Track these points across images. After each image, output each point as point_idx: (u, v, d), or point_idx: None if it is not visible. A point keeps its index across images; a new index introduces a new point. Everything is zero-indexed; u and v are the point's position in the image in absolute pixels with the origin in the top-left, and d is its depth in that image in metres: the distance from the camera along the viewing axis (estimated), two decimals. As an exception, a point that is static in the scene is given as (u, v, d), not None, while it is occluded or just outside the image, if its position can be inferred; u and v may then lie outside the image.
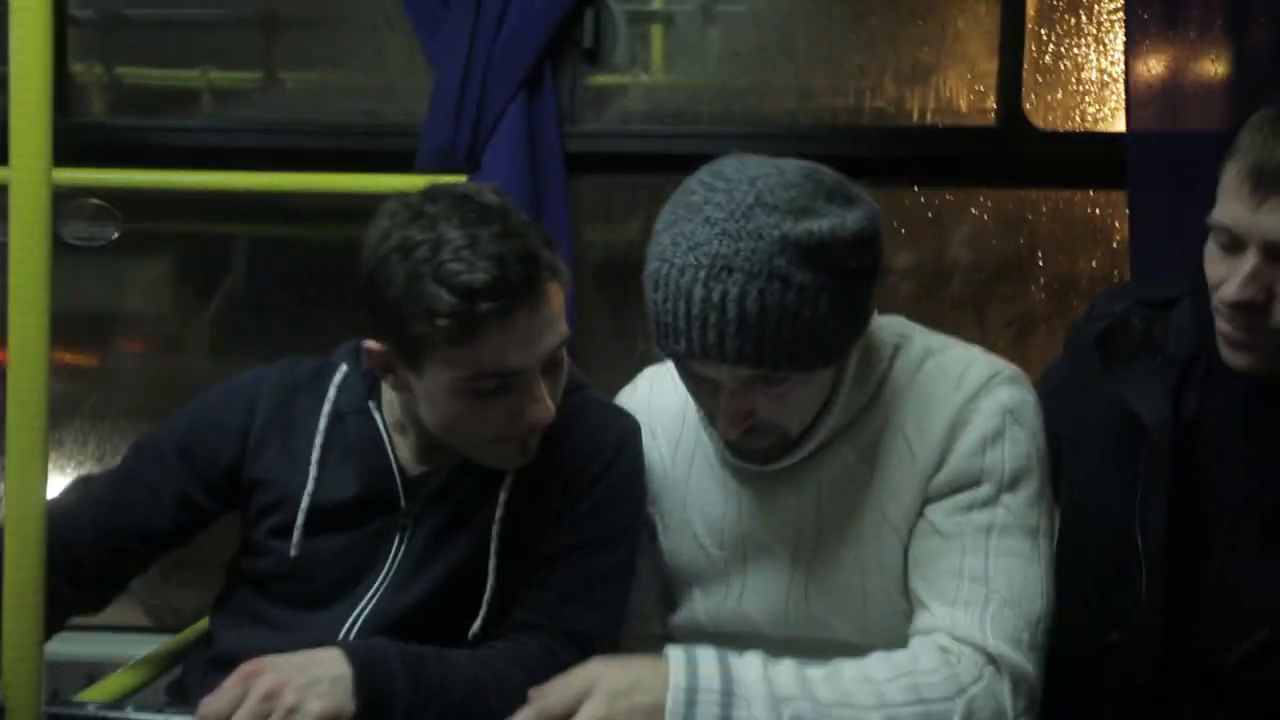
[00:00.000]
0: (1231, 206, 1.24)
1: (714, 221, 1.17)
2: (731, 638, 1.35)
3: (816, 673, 1.22)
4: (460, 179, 1.83)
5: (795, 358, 1.20)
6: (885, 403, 1.33)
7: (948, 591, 1.26)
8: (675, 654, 1.20)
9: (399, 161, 1.90)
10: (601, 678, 1.21)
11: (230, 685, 1.13)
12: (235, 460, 1.41)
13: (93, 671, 1.77)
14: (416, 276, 1.21)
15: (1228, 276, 1.26)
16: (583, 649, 1.32)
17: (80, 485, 1.40)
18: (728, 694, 1.18)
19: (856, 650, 1.28)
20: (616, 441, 1.42)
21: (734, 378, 1.21)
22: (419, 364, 1.26)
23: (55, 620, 1.23)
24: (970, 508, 1.28)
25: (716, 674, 1.18)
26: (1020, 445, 1.29)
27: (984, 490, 1.28)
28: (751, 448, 1.32)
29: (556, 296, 1.29)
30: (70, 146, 1.44)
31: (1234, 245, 1.26)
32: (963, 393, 1.30)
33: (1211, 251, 1.30)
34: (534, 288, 1.24)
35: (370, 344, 1.30)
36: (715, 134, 2.07)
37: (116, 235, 2.33)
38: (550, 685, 1.19)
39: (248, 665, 1.15)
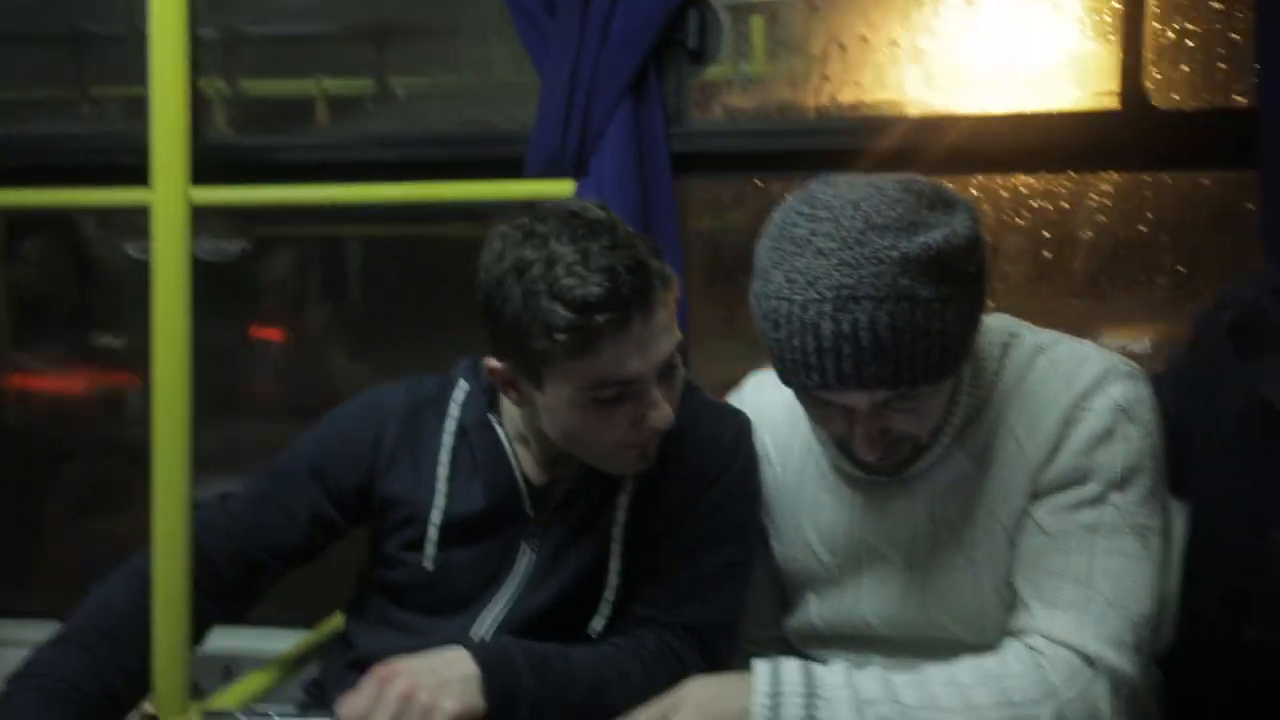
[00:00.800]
0: None
1: (827, 252, 1.17)
2: (848, 640, 1.38)
3: (902, 678, 1.23)
4: (568, 185, 1.86)
5: (930, 371, 1.19)
6: (997, 403, 1.33)
7: (1048, 592, 1.25)
8: (760, 663, 1.24)
9: (508, 169, 1.92)
10: (690, 691, 1.25)
11: (367, 688, 1.17)
12: (366, 479, 1.45)
13: (229, 665, 1.86)
14: (532, 295, 1.24)
15: None
16: (700, 643, 1.37)
17: (219, 503, 1.45)
18: (811, 695, 1.20)
19: (973, 651, 1.28)
20: (733, 441, 1.45)
21: (870, 402, 1.21)
22: (540, 379, 1.29)
23: (198, 631, 1.30)
24: (1077, 506, 1.27)
25: (800, 679, 1.21)
26: (1133, 443, 1.27)
27: (1090, 489, 1.26)
28: (886, 463, 1.31)
29: (668, 303, 1.31)
30: (206, 165, 1.51)
31: None
32: (1075, 390, 1.28)
33: None
34: (646, 297, 1.26)
35: (491, 362, 1.34)
36: (822, 129, 2.05)
37: (243, 248, 2.43)
38: (642, 708, 1.24)
39: (382, 669, 1.19)
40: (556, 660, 1.28)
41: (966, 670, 1.23)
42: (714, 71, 2.09)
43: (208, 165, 1.92)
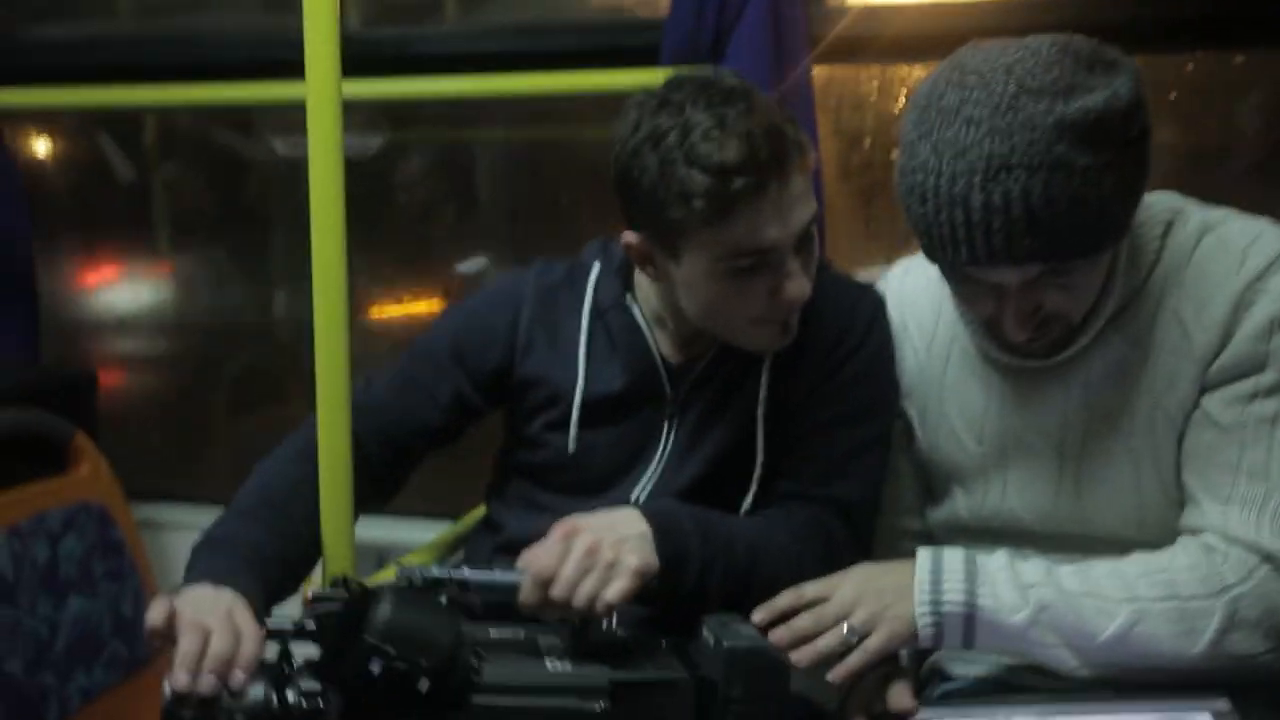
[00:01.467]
0: None
1: (977, 121, 1.15)
2: (997, 534, 1.38)
3: (1065, 567, 1.25)
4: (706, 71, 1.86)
5: (1087, 244, 1.18)
6: (1158, 284, 1.29)
7: (1222, 488, 1.23)
8: (923, 549, 1.29)
9: (644, 56, 1.91)
10: (855, 570, 1.31)
11: (553, 542, 1.20)
12: (504, 361, 1.49)
13: (382, 555, 1.93)
14: (669, 162, 1.26)
15: None
16: (845, 516, 1.40)
17: (364, 387, 1.49)
18: (971, 576, 1.24)
19: (1130, 547, 1.27)
20: (868, 317, 1.46)
21: (1022, 278, 1.20)
22: (678, 250, 1.31)
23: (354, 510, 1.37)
24: (1253, 397, 1.23)
25: (961, 561, 1.26)
26: None
27: (1269, 377, 1.22)
28: (1037, 345, 1.30)
29: (804, 171, 1.32)
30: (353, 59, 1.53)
31: None
32: (1248, 270, 1.24)
33: None
34: (782, 162, 1.27)
35: (628, 236, 1.36)
36: (976, 3, 1.98)
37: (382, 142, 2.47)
38: (809, 582, 1.29)
39: (565, 524, 1.23)
40: (720, 524, 1.32)
41: (1133, 562, 1.24)
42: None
43: (349, 60, 1.96)
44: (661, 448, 1.45)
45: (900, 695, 1.29)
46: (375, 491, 1.50)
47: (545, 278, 1.52)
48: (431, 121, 2.60)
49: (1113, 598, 1.21)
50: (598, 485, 1.41)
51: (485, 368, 1.49)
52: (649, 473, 1.45)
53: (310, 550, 1.35)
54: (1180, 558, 1.22)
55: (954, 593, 1.23)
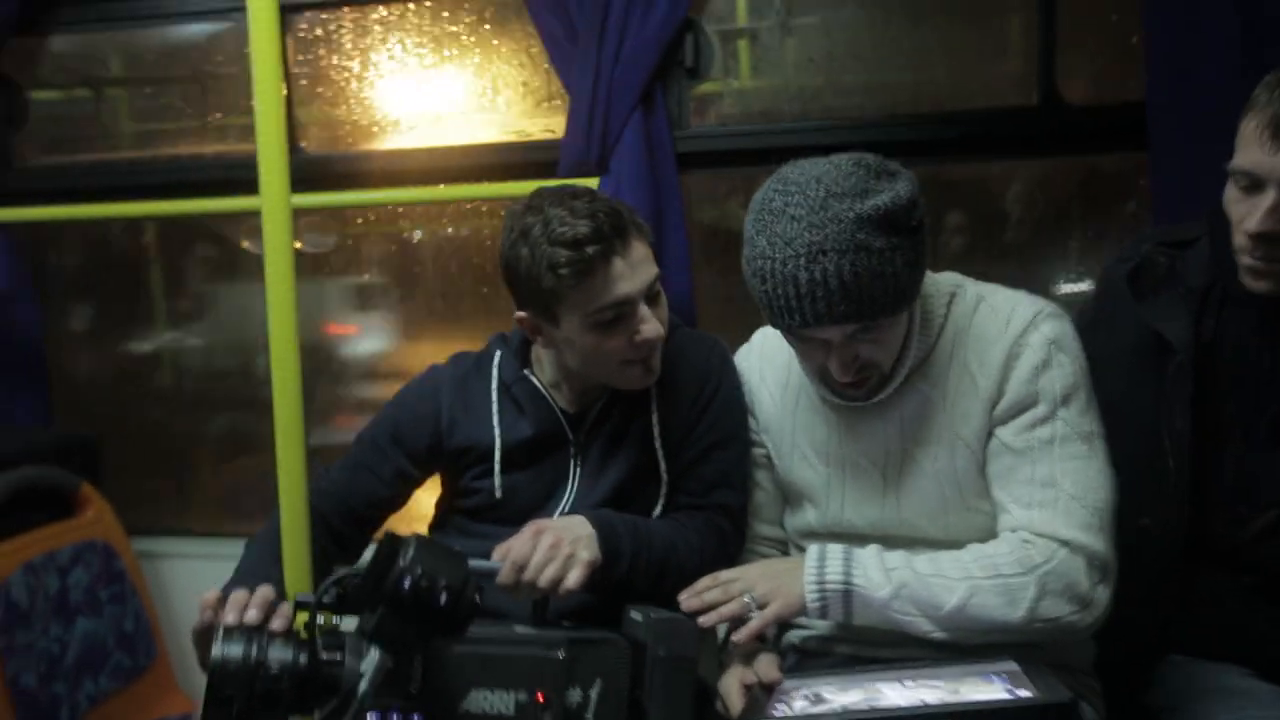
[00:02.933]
0: (1252, 153, 1.20)
1: (798, 218, 1.19)
2: (839, 537, 1.40)
3: (920, 555, 1.29)
4: (594, 182, 1.86)
5: (887, 306, 1.22)
6: (948, 342, 1.33)
7: (1024, 497, 1.27)
8: (811, 545, 1.32)
9: (546, 170, 1.93)
10: (757, 562, 1.40)
11: (525, 537, 1.26)
12: (434, 440, 1.50)
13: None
14: (537, 247, 1.30)
15: (1249, 213, 1.23)
16: (729, 516, 1.45)
17: (325, 473, 1.51)
18: (848, 560, 1.28)
19: (941, 546, 1.31)
20: (720, 361, 1.50)
21: (841, 334, 1.23)
22: (555, 315, 1.35)
23: (325, 572, 1.34)
24: (1033, 425, 1.28)
25: (840, 551, 1.30)
26: (1065, 368, 1.28)
27: (1041, 409, 1.27)
28: (856, 391, 1.33)
29: (644, 242, 1.36)
30: (303, 177, 1.51)
31: (1254, 186, 1.22)
32: (1012, 330, 1.29)
33: (1232, 194, 1.26)
34: (623, 233, 1.32)
35: (519, 314, 1.39)
36: (797, 129, 2.03)
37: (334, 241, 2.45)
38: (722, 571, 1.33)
39: (533, 525, 1.28)
40: (643, 526, 1.36)
41: (968, 551, 1.28)
42: (710, 88, 2.08)
43: (305, 177, 1.95)
44: (571, 482, 1.47)
45: (768, 667, 1.30)
46: (341, 552, 1.49)
47: (458, 369, 1.54)
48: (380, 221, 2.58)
49: (953, 577, 1.24)
50: (522, 518, 1.40)
51: (419, 446, 1.50)
52: (562, 503, 1.46)
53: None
54: (1002, 547, 1.26)
55: (834, 574, 1.26)
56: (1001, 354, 1.29)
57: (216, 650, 1.03)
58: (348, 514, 1.49)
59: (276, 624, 1.05)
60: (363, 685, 0.99)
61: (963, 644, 1.25)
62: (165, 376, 2.72)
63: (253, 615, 1.05)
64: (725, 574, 1.32)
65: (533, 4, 1.87)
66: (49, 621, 1.92)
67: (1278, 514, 1.32)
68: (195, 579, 1.97)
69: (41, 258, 2.56)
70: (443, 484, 1.57)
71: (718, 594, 1.29)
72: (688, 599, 1.29)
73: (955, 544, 1.30)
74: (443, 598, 1.01)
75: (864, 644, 1.36)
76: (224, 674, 1.02)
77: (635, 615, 1.21)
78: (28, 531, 1.94)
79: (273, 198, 1.26)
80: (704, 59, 1.93)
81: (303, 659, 1.03)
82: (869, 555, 1.28)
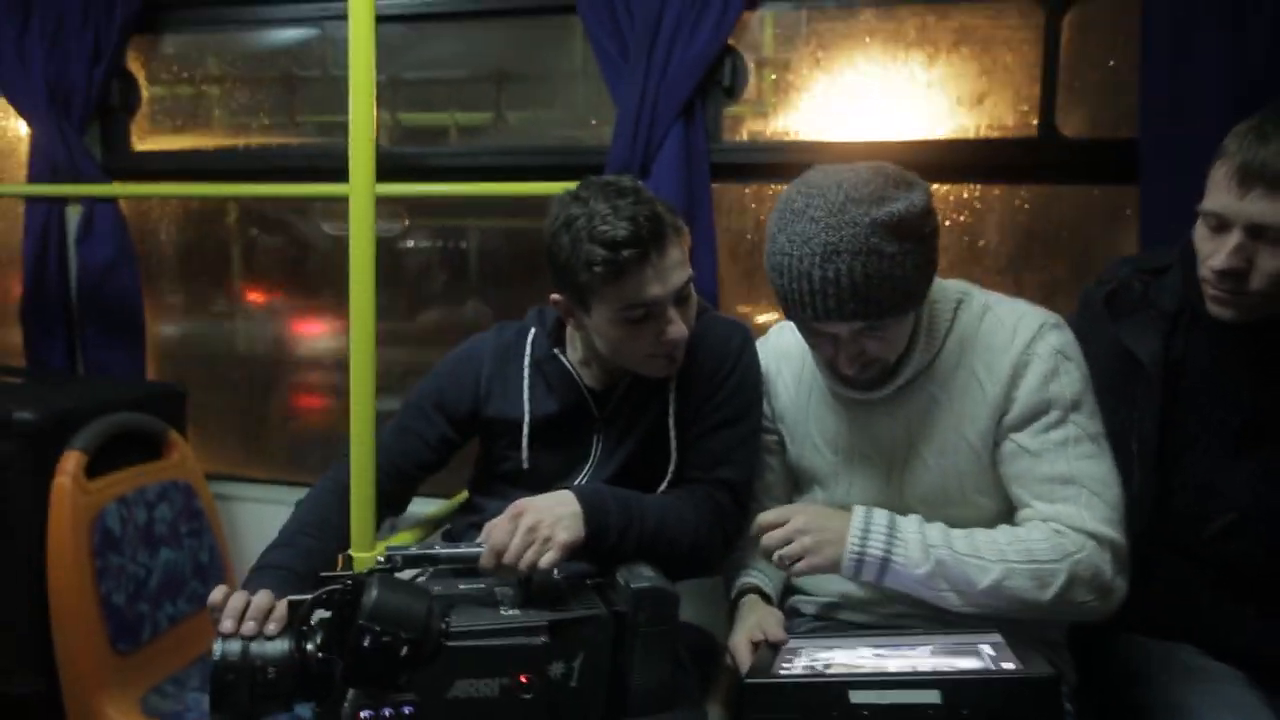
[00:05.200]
0: (1220, 197, 1.21)
1: (817, 219, 1.16)
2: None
3: (958, 533, 1.24)
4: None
5: (894, 307, 1.19)
6: (955, 346, 1.30)
7: (1046, 493, 1.24)
8: (858, 508, 1.25)
9: (595, 173, 1.92)
10: (807, 508, 1.29)
11: (504, 520, 1.20)
12: (473, 407, 1.49)
13: (394, 523, 1.91)
14: (577, 240, 1.26)
15: (1215, 251, 1.23)
16: (730, 491, 1.39)
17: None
18: (892, 533, 1.22)
19: None
20: (740, 344, 1.44)
21: (849, 330, 1.22)
22: (588, 305, 1.31)
23: (376, 523, 1.37)
24: (1047, 429, 1.25)
25: (885, 521, 1.23)
26: (1073, 374, 1.26)
27: (1055, 414, 1.24)
28: (861, 381, 1.31)
29: (680, 245, 1.31)
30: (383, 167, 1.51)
31: (1221, 227, 1.22)
32: (1019, 341, 1.26)
33: (1201, 232, 1.27)
34: (660, 238, 1.27)
35: (554, 296, 1.36)
36: (818, 146, 2.03)
37: (404, 226, 2.48)
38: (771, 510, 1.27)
39: (515, 506, 1.22)
40: (634, 500, 1.31)
41: (1003, 533, 1.24)
42: (744, 108, 2.08)
43: (383, 169, 1.97)
44: (593, 454, 1.44)
45: (775, 627, 1.29)
46: (388, 508, 1.50)
47: (499, 339, 1.51)
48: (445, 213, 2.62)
49: (989, 559, 1.20)
50: (547, 484, 1.38)
51: (460, 413, 1.49)
52: (584, 472, 1.44)
53: (333, 557, 1.34)
54: (1035, 533, 1.22)
55: (876, 546, 1.21)
56: (1009, 364, 1.26)
57: (217, 649, 1.03)
58: (396, 474, 1.48)
59: (271, 628, 1.05)
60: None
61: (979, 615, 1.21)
62: (245, 341, 2.76)
63: (249, 628, 1.05)
64: (769, 515, 1.27)
65: (590, 25, 1.89)
66: (137, 549, 1.96)
67: (1234, 517, 1.32)
68: (263, 520, 2.04)
69: (144, 231, 2.61)
70: (481, 446, 1.56)
71: (777, 537, 1.25)
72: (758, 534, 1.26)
73: None
74: (404, 650, 0.98)
75: (862, 610, 1.36)
76: (223, 670, 1.02)
77: (620, 579, 1.18)
78: (121, 469, 1.98)
79: (361, 186, 1.28)
80: (739, 81, 1.94)
81: (298, 655, 1.03)
82: (912, 530, 1.23)
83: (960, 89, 1.99)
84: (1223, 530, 1.33)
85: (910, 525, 1.24)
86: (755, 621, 1.30)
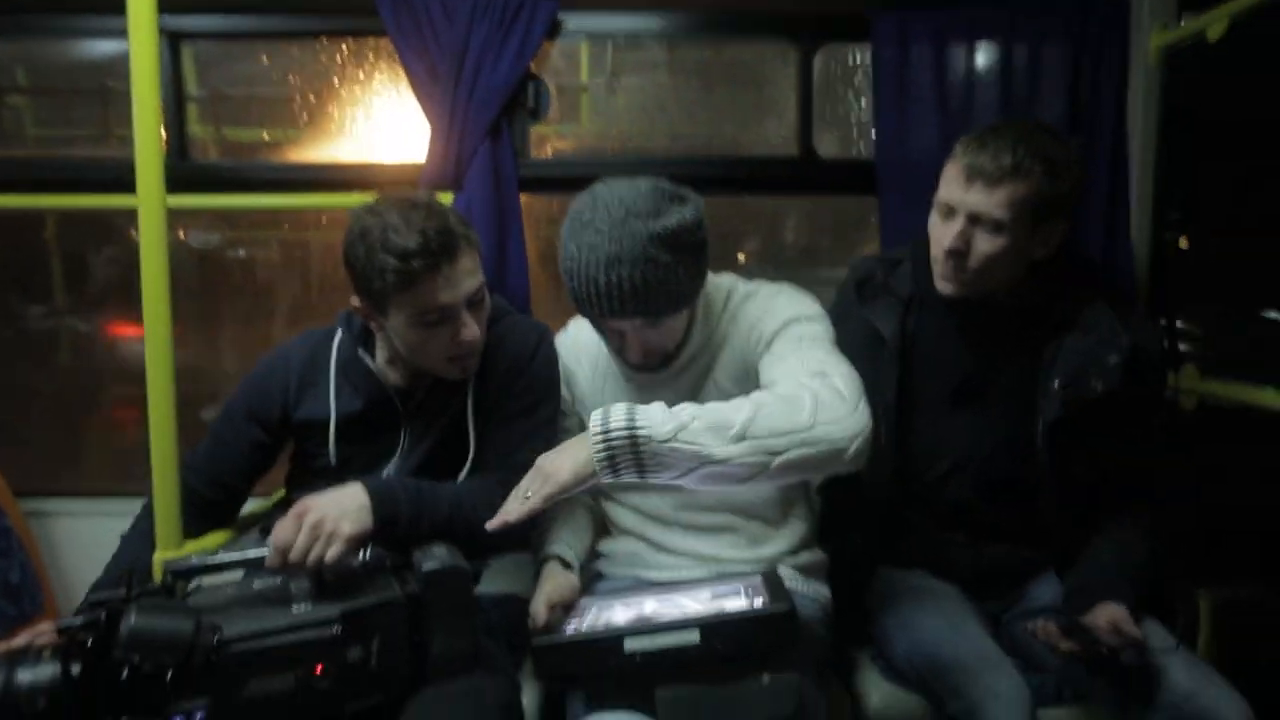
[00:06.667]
0: (950, 190, 1.38)
1: (602, 230, 1.21)
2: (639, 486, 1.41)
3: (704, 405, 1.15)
4: (448, 195, 1.86)
5: (669, 308, 1.26)
6: (725, 327, 1.39)
7: (790, 370, 1.23)
8: (594, 411, 1.14)
9: (411, 187, 1.90)
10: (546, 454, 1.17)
11: (288, 521, 1.15)
12: (283, 411, 1.44)
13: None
14: (372, 249, 1.25)
15: (944, 234, 1.40)
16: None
17: (191, 451, 1.44)
18: (631, 412, 1.11)
19: None
20: (535, 340, 1.45)
21: (633, 326, 1.27)
22: (384, 310, 1.30)
23: (201, 533, 1.33)
24: (784, 338, 1.30)
25: (624, 406, 1.13)
26: (794, 304, 1.33)
27: (794, 329, 1.30)
28: (646, 366, 1.38)
29: (471, 254, 1.29)
30: (189, 180, 1.42)
31: (949, 215, 1.39)
32: (762, 313, 1.35)
33: (934, 219, 1.43)
34: (450, 249, 1.25)
35: (354, 301, 1.34)
36: (616, 163, 2.09)
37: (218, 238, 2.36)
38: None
39: (299, 504, 1.17)
40: (426, 489, 1.27)
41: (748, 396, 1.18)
42: (548, 129, 2.13)
43: (190, 181, 1.86)
44: (399, 448, 1.41)
45: (567, 590, 1.31)
46: (216, 518, 1.43)
47: (304, 346, 1.48)
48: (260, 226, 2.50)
49: (739, 403, 1.14)
50: (357, 477, 1.32)
51: (272, 419, 1.45)
52: (391, 466, 1.41)
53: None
54: (776, 384, 1.21)
55: (618, 423, 1.09)
56: (756, 328, 1.33)
57: None
58: (218, 485, 1.42)
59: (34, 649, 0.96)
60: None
61: (754, 475, 1.09)
62: (60, 355, 2.53)
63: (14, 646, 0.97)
64: (525, 479, 1.15)
65: (400, 48, 1.87)
66: (-63, 571, 1.77)
67: (951, 462, 1.49)
68: (80, 535, 1.88)
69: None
70: (295, 445, 1.50)
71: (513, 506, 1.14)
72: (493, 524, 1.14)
73: None
74: (169, 675, 0.92)
75: (654, 569, 1.41)
76: None
77: (416, 560, 1.15)
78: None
79: (149, 198, 1.19)
80: (542, 103, 1.97)
81: (58, 678, 0.92)
82: (653, 406, 1.13)
83: (736, 115, 2.12)
84: (943, 474, 1.50)
85: (651, 405, 1.14)
86: (553, 587, 1.30)
